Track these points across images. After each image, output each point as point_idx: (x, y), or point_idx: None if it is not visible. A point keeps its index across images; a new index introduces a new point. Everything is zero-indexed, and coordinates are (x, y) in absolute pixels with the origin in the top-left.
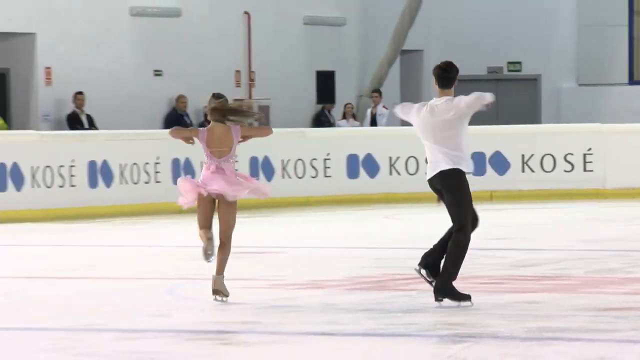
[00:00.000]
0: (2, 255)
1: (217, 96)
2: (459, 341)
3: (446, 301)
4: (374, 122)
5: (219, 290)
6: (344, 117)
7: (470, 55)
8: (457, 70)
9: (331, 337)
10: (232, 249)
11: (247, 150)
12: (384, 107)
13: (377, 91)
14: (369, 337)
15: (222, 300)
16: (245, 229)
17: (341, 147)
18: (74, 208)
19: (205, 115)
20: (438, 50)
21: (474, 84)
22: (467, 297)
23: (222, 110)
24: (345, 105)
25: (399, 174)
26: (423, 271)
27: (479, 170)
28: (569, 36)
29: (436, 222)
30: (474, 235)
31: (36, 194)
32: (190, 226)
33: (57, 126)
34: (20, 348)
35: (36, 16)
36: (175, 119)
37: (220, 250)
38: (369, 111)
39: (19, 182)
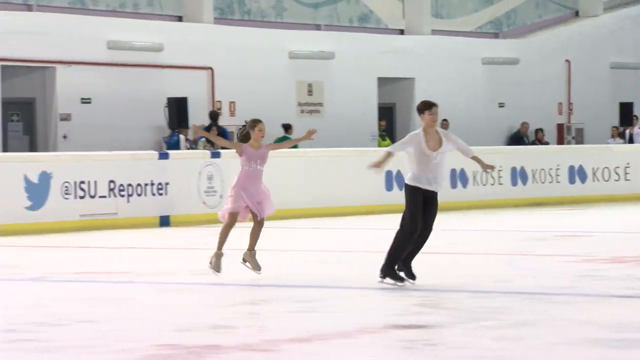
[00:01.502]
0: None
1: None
2: None
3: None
4: (631, 140)
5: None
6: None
7: None
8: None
9: (630, 299)
10: (554, 233)
11: (565, 159)
12: (638, 128)
13: (635, 116)
14: None
15: None
16: (565, 219)
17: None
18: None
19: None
20: None
21: None
22: (401, 279)
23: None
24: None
25: None
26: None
27: None
28: None
29: None
30: None
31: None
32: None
33: None
34: (364, 301)
35: (416, 65)
36: (516, 140)
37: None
38: (627, 131)
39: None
